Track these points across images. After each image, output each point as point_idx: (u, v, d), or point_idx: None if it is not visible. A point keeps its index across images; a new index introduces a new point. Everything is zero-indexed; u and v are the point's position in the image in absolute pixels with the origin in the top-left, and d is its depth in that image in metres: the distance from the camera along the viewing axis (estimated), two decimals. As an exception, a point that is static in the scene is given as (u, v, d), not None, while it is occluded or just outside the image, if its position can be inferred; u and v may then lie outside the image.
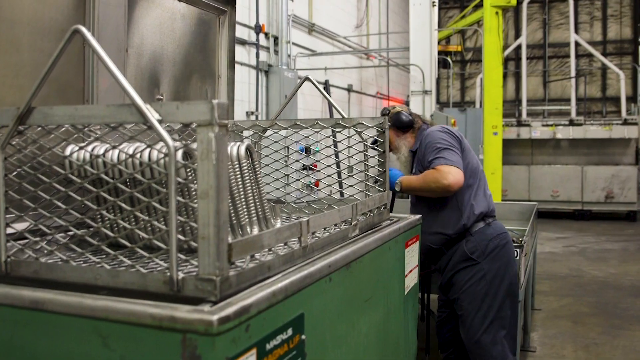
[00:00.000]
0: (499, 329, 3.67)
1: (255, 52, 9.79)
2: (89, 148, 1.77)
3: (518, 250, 4.06)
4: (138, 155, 1.70)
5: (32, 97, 1.57)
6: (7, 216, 1.63)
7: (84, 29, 1.52)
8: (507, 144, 14.41)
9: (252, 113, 9.51)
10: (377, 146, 2.58)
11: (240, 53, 9.43)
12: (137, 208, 1.58)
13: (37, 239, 1.71)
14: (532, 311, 6.19)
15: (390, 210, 2.88)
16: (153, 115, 1.40)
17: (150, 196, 1.66)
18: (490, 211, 3.78)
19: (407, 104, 15.95)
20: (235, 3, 3.30)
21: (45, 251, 1.66)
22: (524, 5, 17.21)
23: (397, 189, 3.66)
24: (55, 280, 1.54)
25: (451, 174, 3.43)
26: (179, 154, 1.58)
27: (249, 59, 9.73)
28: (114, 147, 1.64)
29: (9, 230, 1.65)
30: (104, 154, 1.75)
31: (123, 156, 1.71)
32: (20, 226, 1.72)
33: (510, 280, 3.73)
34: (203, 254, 1.36)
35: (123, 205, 1.55)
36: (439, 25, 16.60)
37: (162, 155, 1.64)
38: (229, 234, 1.41)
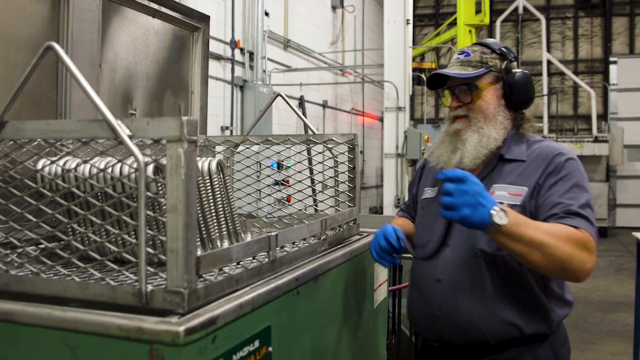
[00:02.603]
0: None
1: (230, 67, 9.82)
2: (61, 162, 1.79)
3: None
4: (109, 170, 1.72)
5: (4, 111, 1.59)
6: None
7: (57, 46, 1.55)
8: (480, 160, 14.51)
9: (227, 128, 9.52)
10: (348, 162, 2.60)
11: (216, 68, 9.46)
12: (107, 222, 1.61)
13: (8, 251, 1.73)
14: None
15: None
16: (124, 131, 1.44)
17: (120, 210, 1.68)
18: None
19: (381, 120, 16.07)
20: (209, 20, 3.33)
21: (16, 264, 1.68)
22: (497, 24, 17.46)
23: (498, 222, 1.85)
24: (25, 292, 1.55)
25: (595, 255, 2.01)
26: (149, 168, 1.61)
27: (224, 74, 9.76)
28: (85, 162, 1.67)
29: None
30: (75, 168, 1.77)
31: (94, 170, 1.74)
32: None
33: None
34: (171, 266, 1.39)
35: (93, 218, 1.58)
36: (414, 43, 16.80)
37: (132, 170, 1.67)
38: (198, 248, 1.44)
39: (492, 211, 1.84)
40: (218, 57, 9.51)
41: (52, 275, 1.69)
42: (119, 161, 1.59)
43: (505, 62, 2.27)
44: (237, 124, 9.77)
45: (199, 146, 2.84)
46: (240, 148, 2.79)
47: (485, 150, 2.19)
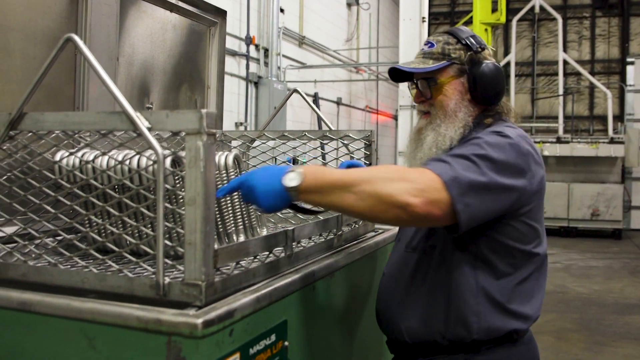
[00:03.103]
0: None
1: (245, 64, 9.84)
2: (79, 154, 1.80)
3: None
4: (127, 162, 1.73)
5: (23, 103, 1.59)
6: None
7: (76, 38, 1.55)
8: (494, 160, 14.47)
9: (241, 124, 9.54)
10: (364, 159, 2.58)
11: (231, 64, 9.47)
12: (125, 214, 1.61)
13: (26, 242, 1.74)
14: (515, 326, 6.22)
15: None
16: (143, 123, 1.44)
17: (138, 202, 1.68)
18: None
19: (395, 118, 16.03)
20: (226, 15, 3.34)
21: (34, 255, 1.68)
22: (514, 22, 17.37)
23: (289, 184, 1.66)
24: (43, 283, 1.56)
25: (432, 192, 1.66)
26: (168, 161, 1.61)
27: (239, 70, 9.77)
28: (103, 154, 1.67)
29: (-2, 234, 1.67)
30: (93, 160, 1.78)
31: (112, 162, 1.74)
32: (9, 230, 1.74)
33: None
34: (189, 259, 1.39)
35: (112, 210, 1.58)
36: (429, 41, 16.68)
37: (150, 163, 1.67)
38: (215, 241, 1.44)
39: (282, 179, 1.67)
40: (233, 53, 9.53)
41: (69, 266, 1.69)
42: (137, 153, 1.59)
43: (470, 53, 2.03)
44: (251, 120, 9.78)
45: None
46: (256, 143, 2.79)
47: (439, 151, 1.95)
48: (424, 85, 2.06)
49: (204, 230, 1.37)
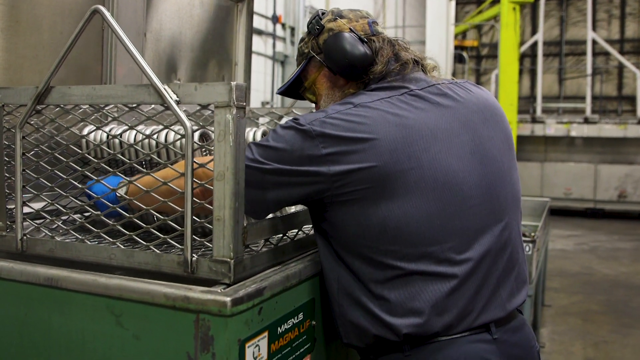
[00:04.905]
0: None
1: (271, 43, 9.79)
2: (106, 128, 1.77)
3: (530, 244, 4.05)
4: (155, 137, 1.70)
5: (50, 76, 1.57)
6: (24, 195, 1.64)
7: (103, 9, 1.52)
8: (520, 140, 14.36)
9: (267, 103, 9.51)
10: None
11: (257, 43, 9.43)
12: (152, 189, 1.58)
13: (53, 218, 1.72)
14: (541, 307, 6.18)
15: None
16: (171, 96, 1.40)
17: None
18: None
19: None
20: (253, -10, 3.29)
21: (61, 230, 1.67)
22: (542, 1, 17.10)
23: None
24: (70, 259, 1.55)
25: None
26: (196, 135, 1.59)
27: (265, 49, 9.73)
28: (130, 128, 1.64)
29: (26, 210, 1.66)
30: (120, 135, 1.75)
31: (140, 137, 1.72)
32: (36, 205, 1.73)
33: None
34: (218, 236, 1.36)
35: (140, 186, 1.56)
36: (456, 20, 16.53)
37: (178, 137, 1.65)
38: (244, 217, 1.41)
39: None
40: (259, 32, 9.49)
41: (97, 242, 1.68)
42: (165, 127, 1.56)
43: (312, 37, 1.82)
44: (277, 99, 9.75)
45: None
46: (284, 120, 2.76)
47: None
48: (306, 94, 1.93)
49: (233, 207, 1.34)
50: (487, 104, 1.75)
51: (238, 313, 1.28)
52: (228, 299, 1.27)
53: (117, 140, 1.77)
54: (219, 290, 1.30)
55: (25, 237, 1.63)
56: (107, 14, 1.52)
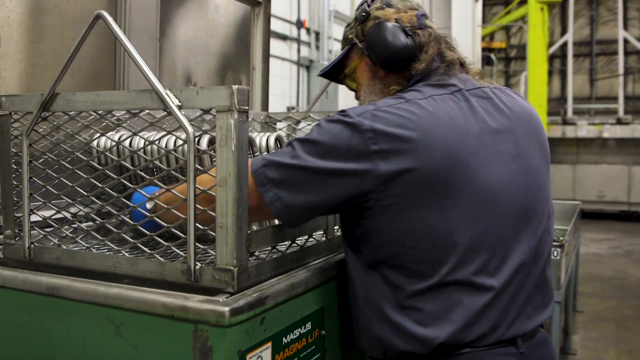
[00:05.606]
0: None
1: (296, 48, 9.77)
2: (110, 135, 1.75)
3: (559, 249, 3.96)
4: (157, 142, 1.68)
5: (55, 83, 1.55)
6: (33, 203, 1.63)
7: (105, 14, 1.49)
8: (551, 142, 14.06)
9: (293, 108, 9.50)
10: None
11: (282, 48, 9.43)
12: (156, 196, 1.55)
13: (60, 226, 1.70)
14: (573, 313, 6.05)
15: None
16: (172, 101, 1.38)
17: (169, 184, 1.63)
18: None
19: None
20: (270, -5, 3.27)
21: (69, 238, 1.65)
22: (571, 1, 16.90)
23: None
24: (76, 267, 1.53)
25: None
26: (205, 140, 1.56)
27: (290, 54, 9.72)
28: (133, 134, 1.62)
29: (35, 218, 1.64)
30: (124, 142, 1.73)
31: (142, 143, 1.69)
32: (45, 214, 1.71)
33: None
34: (221, 243, 1.32)
35: (143, 193, 1.53)
36: (483, 22, 16.41)
37: (181, 142, 1.62)
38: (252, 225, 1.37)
39: None
40: (284, 37, 9.48)
41: (105, 250, 1.65)
42: (168, 132, 1.53)
43: (358, 24, 1.78)
44: (303, 104, 9.74)
45: (260, 122, 2.78)
46: (302, 125, 2.73)
47: None
48: (346, 81, 1.90)
49: (236, 213, 1.30)
50: (529, 113, 1.70)
51: (237, 323, 1.24)
52: (226, 308, 1.23)
53: (120, 147, 1.75)
54: (219, 300, 1.27)
55: (32, 246, 1.61)
56: (110, 19, 1.49)
